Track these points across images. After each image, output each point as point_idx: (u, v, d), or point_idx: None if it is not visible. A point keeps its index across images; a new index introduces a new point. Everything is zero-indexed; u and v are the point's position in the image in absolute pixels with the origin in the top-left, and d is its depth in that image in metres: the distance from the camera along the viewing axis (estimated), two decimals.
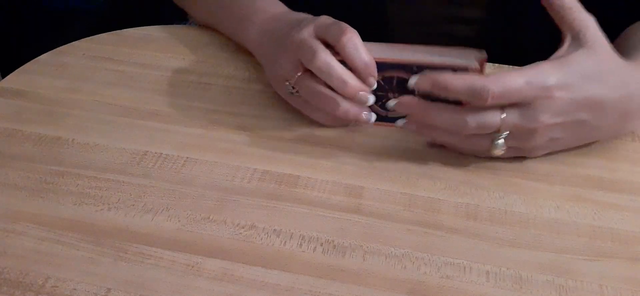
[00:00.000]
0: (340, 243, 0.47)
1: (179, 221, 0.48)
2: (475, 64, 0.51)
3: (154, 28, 0.70)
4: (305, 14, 0.59)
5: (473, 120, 0.49)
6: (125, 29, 0.70)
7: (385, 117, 0.55)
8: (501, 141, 0.50)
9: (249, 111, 0.59)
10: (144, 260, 0.45)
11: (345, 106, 0.53)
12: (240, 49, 0.66)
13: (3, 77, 0.64)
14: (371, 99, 0.53)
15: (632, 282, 0.45)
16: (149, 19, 0.71)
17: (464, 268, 0.46)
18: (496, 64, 0.65)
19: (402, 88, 0.53)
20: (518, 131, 0.49)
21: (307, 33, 0.53)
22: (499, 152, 0.50)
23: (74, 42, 0.68)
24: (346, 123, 0.56)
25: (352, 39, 0.52)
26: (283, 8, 0.62)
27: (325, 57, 0.52)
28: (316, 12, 0.58)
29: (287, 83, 0.55)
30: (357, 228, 0.48)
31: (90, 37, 0.69)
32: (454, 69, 0.51)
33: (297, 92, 0.55)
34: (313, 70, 0.52)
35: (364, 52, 0.52)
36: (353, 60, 0.52)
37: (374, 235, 0.48)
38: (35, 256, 0.45)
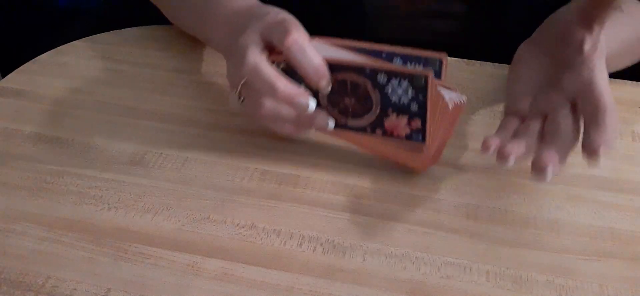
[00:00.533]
0: (340, 243, 0.47)
1: (179, 221, 0.48)
2: (430, 72, 0.46)
3: (154, 28, 0.70)
4: (268, 8, 0.52)
5: None
6: (125, 29, 0.70)
7: (345, 125, 0.51)
8: None
9: None
10: (144, 260, 0.45)
11: (290, 113, 0.49)
12: None
13: (3, 77, 0.64)
14: (312, 105, 0.48)
15: (632, 282, 0.45)
16: (149, 19, 0.71)
17: (464, 268, 0.46)
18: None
19: (358, 93, 0.48)
20: None
21: (250, 36, 0.48)
22: None
23: (74, 42, 0.68)
24: (302, 132, 0.53)
25: (297, 42, 0.46)
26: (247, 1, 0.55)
27: (253, 60, 0.47)
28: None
29: (235, 91, 0.50)
30: (357, 228, 0.48)
31: (90, 37, 0.69)
32: (410, 75, 0.46)
33: (242, 100, 0.51)
34: (243, 76, 0.48)
35: (312, 54, 0.46)
36: (300, 64, 0.47)
37: (374, 235, 0.48)
38: (35, 256, 0.45)
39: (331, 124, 0.50)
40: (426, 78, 0.45)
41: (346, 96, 0.49)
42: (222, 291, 0.43)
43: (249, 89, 0.49)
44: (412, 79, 0.46)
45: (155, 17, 0.67)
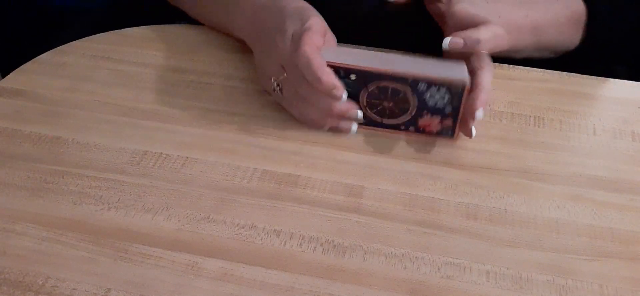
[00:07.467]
0: (340, 243, 0.47)
1: (179, 221, 0.48)
2: (468, 79, 0.52)
3: (154, 28, 0.70)
4: (295, 4, 0.57)
5: None
6: (125, 29, 0.70)
7: (381, 123, 0.56)
8: None
9: (249, 111, 0.59)
10: (144, 260, 0.45)
11: (325, 103, 0.54)
12: (240, 49, 0.66)
13: (3, 77, 0.64)
14: (344, 96, 0.52)
15: (632, 282, 0.45)
16: (149, 19, 0.71)
17: (464, 268, 0.46)
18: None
19: (397, 98, 0.54)
20: None
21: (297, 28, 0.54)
22: None
23: (74, 42, 0.68)
24: (332, 124, 0.56)
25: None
26: None
27: (305, 50, 0.52)
28: None
29: (273, 80, 0.56)
30: (357, 228, 0.48)
31: (90, 36, 0.69)
32: (449, 83, 0.52)
33: (280, 89, 0.56)
34: (290, 63, 0.53)
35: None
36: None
37: (374, 235, 0.48)
38: (35, 256, 0.45)
39: (360, 114, 0.54)
40: (464, 87, 0.52)
41: (385, 100, 0.54)
42: (222, 291, 0.43)
43: (289, 76, 0.54)
44: (450, 86, 0.52)
45: (156, 17, 0.67)
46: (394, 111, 0.55)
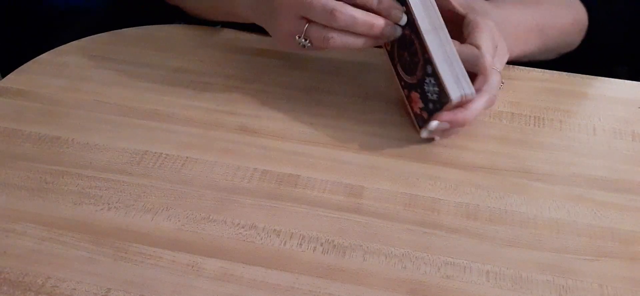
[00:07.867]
0: (340, 243, 0.47)
1: (179, 221, 0.48)
2: (455, 101, 0.52)
3: (154, 28, 0.70)
4: None
5: None
6: (125, 29, 0.70)
7: (394, 65, 0.58)
8: None
9: (249, 111, 0.59)
10: (144, 260, 0.45)
11: (371, 20, 0.53)
12: (240, 49, 0.66)
13: (3, 77, 0.64)
14: (404, 19, 0.53)
15: (632, 282, 0.45)
16: (149, 19, 0.71)
17: (464, 268, 0.46)
18: None
19: (412, 58, 0.55)
20: None
21: None
22: None
23: (74, 42, 0.68)
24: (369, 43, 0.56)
25: None
26: None
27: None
28: None
29: (297, 37, 0.55)
30: (357, 228, 0.48)
31: (90, 37, 0.69)
32: (442, 88, 0.52)
33: (309, 41, 0.54)
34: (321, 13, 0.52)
35: None
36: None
37: (374, 235, 0.48)
38: (35, 256, 0.45)
39: (398, 31, 0.54)
40: (448, 102, 0.52)
41: (406, 50, 0.55)
42: (222, 291, 0.43)
43: (317, 19, 0.53)
44: (441, 91, 0.52)
45: (155, 17, 0.67)
46: (405, 65, 0.56)
